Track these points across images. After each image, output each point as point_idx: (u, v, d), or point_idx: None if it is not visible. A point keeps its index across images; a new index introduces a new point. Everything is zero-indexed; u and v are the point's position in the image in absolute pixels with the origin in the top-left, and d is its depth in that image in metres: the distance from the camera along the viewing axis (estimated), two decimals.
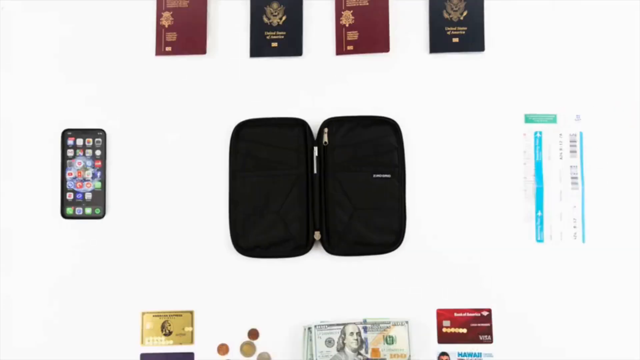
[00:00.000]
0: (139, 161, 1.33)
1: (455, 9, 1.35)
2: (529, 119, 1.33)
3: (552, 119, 1.33)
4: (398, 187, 1.31)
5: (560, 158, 1.29)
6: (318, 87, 1.34)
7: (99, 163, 1.32)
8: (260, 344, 1.30)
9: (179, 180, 1.32)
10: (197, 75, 1.35)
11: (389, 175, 1.30)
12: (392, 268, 1.30)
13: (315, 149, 1.31)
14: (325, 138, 1.32)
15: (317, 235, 1.30)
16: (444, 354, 1.29)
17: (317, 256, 1.30)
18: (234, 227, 1.30)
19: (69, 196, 1.31)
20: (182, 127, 1.33)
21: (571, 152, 1.30)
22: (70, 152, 1.32)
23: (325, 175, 1.31)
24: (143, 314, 1.31)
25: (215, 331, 1.30)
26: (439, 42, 1.35)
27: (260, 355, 1.29)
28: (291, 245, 1.30)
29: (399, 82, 1.34)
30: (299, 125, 1.32)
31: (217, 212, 1.31)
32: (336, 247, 1.30)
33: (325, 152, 1.31)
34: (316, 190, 1.30)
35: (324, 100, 1.34)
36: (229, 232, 1.30)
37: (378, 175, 1.30)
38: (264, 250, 1.30)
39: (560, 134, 1.30)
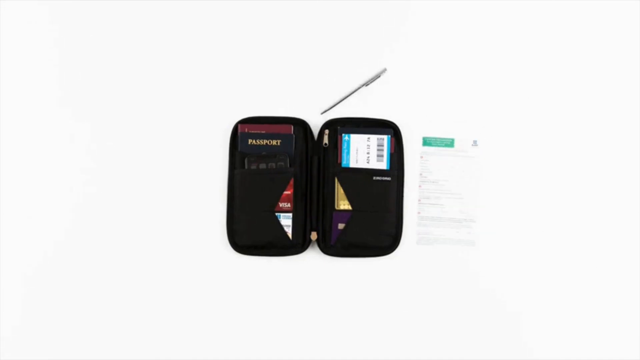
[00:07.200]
0: (137, 158, 1.33)
1: None
2: (426, 141, 1.32)
3: (450, 143, 1.32)
4: (397, 190, 1.30)
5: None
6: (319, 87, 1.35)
7: None
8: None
9: (176, 178, 1.32)
10: (197, 71, 1.35)
11: (389, 178, 1.30)
12: (388, 271, 1.29)
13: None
14: (326, 139, 1.31)
15: (313, 235, 1.29)
16: None
17: (313, 256, 1.30)
18: (231, 224, 1.30)
19: None
20: (181, 124, 1.33)
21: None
22: None
23: (324, 176, 1.31)
24: None
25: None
26: None
27: None
28: (287, 245, 1.29)
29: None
30: (299, 125, 1.32)
31: (214, 209, 1.31)
32: (332, 248, 1.29)
33: (325, 153, 1.31)
34: (314, 190, 1.30)
35: (325, 101, 1.34)
36: (225, 229, 1.30)
37: (378, 178, 1.30)
38: (260, 248, 1.29)
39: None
